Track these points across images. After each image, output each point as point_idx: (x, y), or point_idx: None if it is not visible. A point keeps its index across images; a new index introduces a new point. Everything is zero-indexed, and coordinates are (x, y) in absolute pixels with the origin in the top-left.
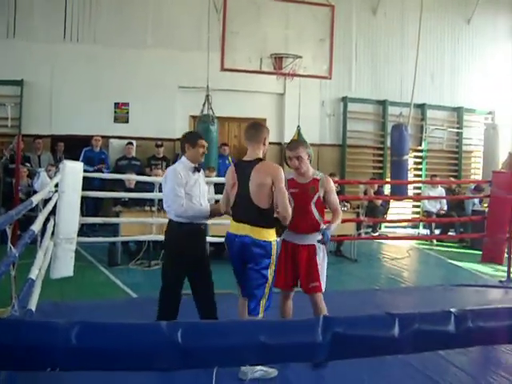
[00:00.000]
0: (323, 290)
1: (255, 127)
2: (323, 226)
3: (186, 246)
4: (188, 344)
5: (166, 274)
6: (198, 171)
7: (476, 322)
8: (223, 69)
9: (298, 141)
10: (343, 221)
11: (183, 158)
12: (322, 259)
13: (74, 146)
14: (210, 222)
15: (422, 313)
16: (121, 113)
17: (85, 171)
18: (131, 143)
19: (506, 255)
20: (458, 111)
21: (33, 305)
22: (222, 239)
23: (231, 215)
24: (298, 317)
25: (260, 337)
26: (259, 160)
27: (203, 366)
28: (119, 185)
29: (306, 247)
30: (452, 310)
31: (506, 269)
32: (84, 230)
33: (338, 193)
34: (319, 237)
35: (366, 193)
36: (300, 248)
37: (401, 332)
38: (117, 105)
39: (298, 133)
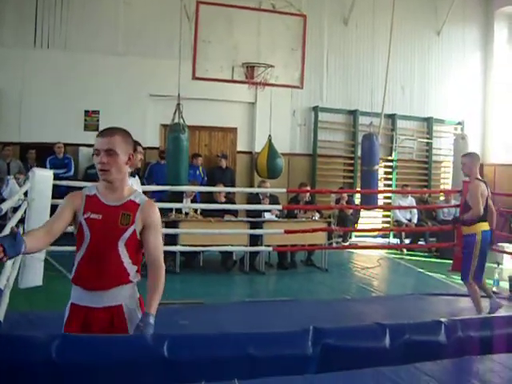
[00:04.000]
0: None
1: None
2: (139, 319)
3: None
4: (174, 357)
5: None
6: (133, 176)
7: (466, 332)
8: (195, 78)
9: (117, 128)
10: (314, 230)
11: None
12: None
13: (43, 154)
14: (180, 230)
15: (413, 323)
16: (91, 121)
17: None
18: None
19: None
20: (428, 122)
21: (1, 315)
22: (193, 248)
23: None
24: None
25: (248, 349)
26: None
27: (190, 380)
28: None
29: (108, 311)
30: (442, 319)
31: None
32: None
33: (310, 202)
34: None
35: (338, 201)
36: (96, 314)
37: (392, 343)
38: (87, 112)
39: (269, 142)
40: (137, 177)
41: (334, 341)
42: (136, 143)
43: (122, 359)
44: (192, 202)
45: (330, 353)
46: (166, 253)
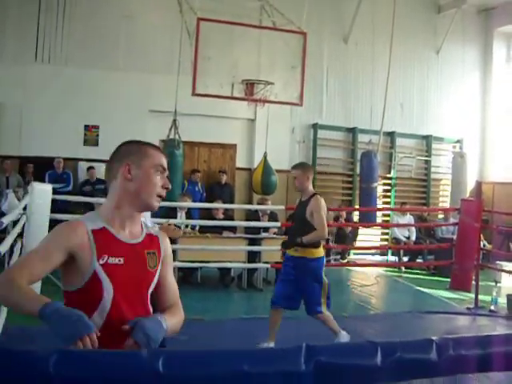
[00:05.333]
0: None
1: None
2: None
3: None
4: (169, 373)
5: None
6: None
7: (458, 351)
8: (194, 94)
9: None
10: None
11: None
12: None
13: (42, 168)
14: (177, 246)
15: (404, 341)
16: (91, 135)
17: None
18: (92, 167)
19: (473, 282)
20: (427, 139)
21: None
22: (191, 264)
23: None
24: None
25: (243, 366)
26: None
27: None
28: (88, 208)
29: None
30: (434, 338)
31: (473, 296)
32: None
33: None
34: None
35: (337, 219)
36: None
37: (383, 360)
38: (87, 127)
39: (265, 159)
40: None
41: (327, 358)
42: None
43: (118, 374)
44: (186, 215)
45: (323, 370)
46: None
